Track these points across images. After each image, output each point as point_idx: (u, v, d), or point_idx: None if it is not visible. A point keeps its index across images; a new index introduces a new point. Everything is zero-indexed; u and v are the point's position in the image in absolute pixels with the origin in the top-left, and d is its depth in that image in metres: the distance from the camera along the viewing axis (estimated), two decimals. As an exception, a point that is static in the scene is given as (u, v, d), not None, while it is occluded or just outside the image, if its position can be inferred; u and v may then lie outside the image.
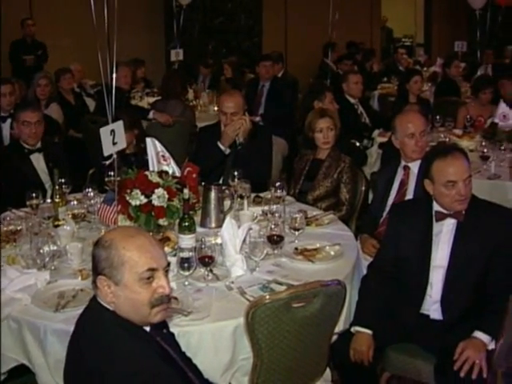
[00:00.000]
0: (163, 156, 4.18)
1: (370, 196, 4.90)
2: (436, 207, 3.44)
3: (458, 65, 10.46)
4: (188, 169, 4.04)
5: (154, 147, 4.20)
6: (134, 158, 4.78)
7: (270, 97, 8.27)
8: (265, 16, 12.46)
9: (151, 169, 4.08)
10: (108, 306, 2.32)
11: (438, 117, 7.08)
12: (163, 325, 2.50)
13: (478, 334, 3.23)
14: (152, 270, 2.26)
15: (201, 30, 11.84)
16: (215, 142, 4.99)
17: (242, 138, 4.98)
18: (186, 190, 3.57)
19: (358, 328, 3.40)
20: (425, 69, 12.79)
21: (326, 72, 10.52)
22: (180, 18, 11.05)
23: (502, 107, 6.74)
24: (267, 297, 2.87)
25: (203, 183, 4.17)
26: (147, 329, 2.36)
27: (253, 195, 4.48)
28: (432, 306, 3.44)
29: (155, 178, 3.72)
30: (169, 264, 2.33)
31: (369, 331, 3.37)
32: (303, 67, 12.32)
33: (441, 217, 3.42)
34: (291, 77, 10.03)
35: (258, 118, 7.86)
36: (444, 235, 3.42)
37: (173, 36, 11.24)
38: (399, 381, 3.99)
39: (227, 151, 4.99)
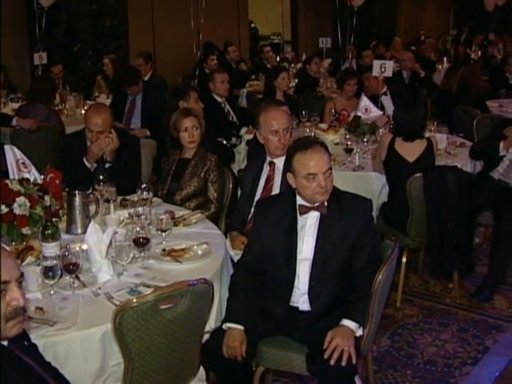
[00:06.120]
0: (23, 163, 4.07)
1: (239, 193, 4.93)
2: (299, 201, 3.49)
3: (318, 62, 10.83)
4: (50, 175, 3.93)
5: (13, 155, 4.08)
6: None
7: (145, 101, 8.11)
8: (130, 16, 12.28)
9: (11, 177, 3.96)
10: None
11: (304, 112, 7.22)
12: (23, 337, 2.41)
13: (346, 322, 3.31)
14: (4, 282, 2.17)
15: (65, 32, 11.54)
16: (81, 155, 4.82)
17: (109, 157, 4.85)
18: (46, 197, 3.47)
19: (229, 324, 3.41)
20: (292, 65, 12.99)
21: (195, 71, 10.56)
22: (42, 20, 10.77)
23: (364, 100, 6.93)
24: (134, 300, 2.83)
25: (67, 189, 4.06)
26: (5, 343, 2.28)
27: (119, 198, 4.42)
28: (300, 298, 3.49)
29: (16, 186, 3.63)
30: (22, 274, 2.25)
31: (240, 327, 3.39)
32: (173, 67, 12.26)
33: (304, 210, 3.47)
34: (159, 77, 9.94)
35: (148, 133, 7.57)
36: (308, 228, 3.48)
37: (36, 39, 10.94)
38: (274, 374, 4.06)
39: (93, 168, 4.83)
